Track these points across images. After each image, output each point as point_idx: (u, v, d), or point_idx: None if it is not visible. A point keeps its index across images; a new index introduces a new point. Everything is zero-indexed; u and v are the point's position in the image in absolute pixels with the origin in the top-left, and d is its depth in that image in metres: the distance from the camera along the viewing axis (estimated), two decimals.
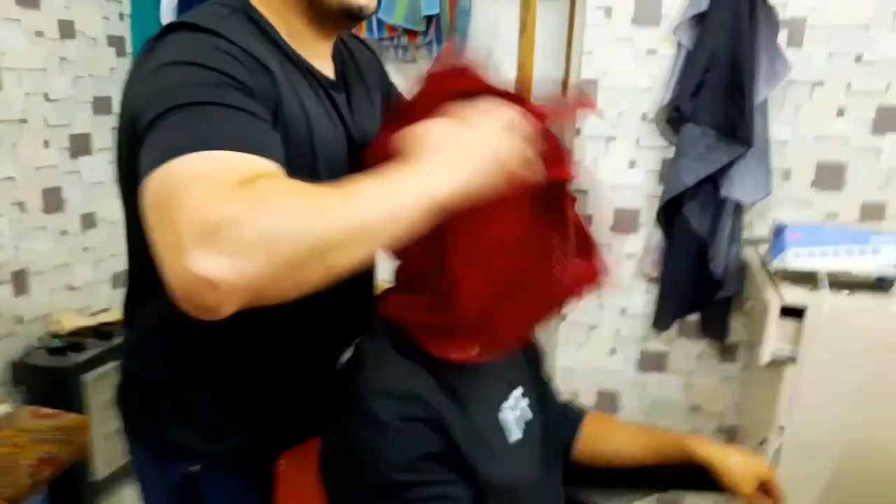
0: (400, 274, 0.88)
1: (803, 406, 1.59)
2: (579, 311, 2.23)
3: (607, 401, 2.28)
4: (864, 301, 1.57)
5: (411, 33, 2.13)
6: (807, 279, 1.61)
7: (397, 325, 0.85)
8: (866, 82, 1.86)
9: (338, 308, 0.88)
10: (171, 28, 0.71)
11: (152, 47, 0.71)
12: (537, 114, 0.76)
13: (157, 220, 0.55)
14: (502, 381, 0.93)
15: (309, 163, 0.76)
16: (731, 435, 2.19)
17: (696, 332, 2.16)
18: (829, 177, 1.94)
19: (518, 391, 0.94)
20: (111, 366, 2.00)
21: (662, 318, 2.12)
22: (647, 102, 2.03)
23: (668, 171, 2.01)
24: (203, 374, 0.86)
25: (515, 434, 0.89)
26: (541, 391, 1.01)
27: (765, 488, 1.02)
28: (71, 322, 2.06)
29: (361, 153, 0.84)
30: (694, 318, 2.14)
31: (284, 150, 0.66)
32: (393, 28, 2.13)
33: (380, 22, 2.13)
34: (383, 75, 1.02)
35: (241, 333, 0.82)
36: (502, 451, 0.85)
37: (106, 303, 2.34)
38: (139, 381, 0.90)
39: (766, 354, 1.60)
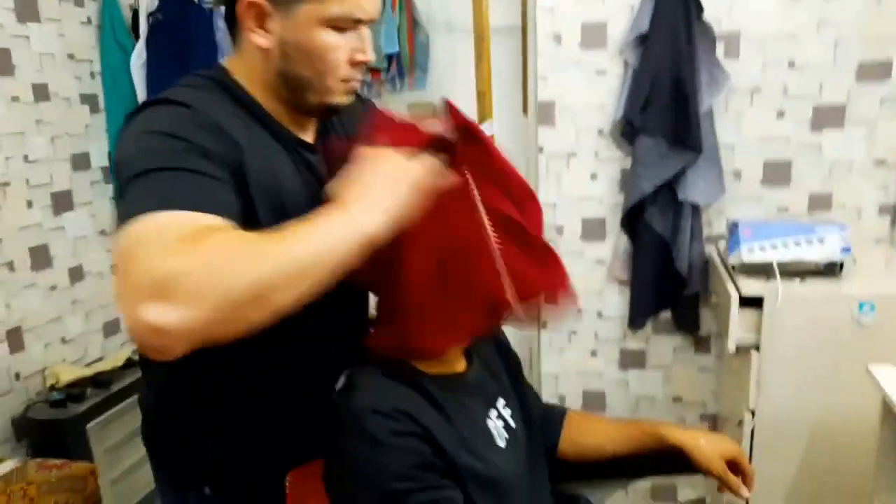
0: (377, 307, 0.98)
1: (771, 389, 1.71)
2: (558, 318, 2.34)
3: (594, 400, 2.38)
4: (816, 286, 1.70)
5: (374, 71, 2.25)
6: (762, 271, 1.74)
7: (383, 353, 0.94)
8: (800, 85, 2.00)
9: (333, 343, 0.97)
10: (148, 103, 0.81)
11: (133, 118, 0.81)
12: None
13: (117, 274, 0.63)
14: (486, 393, 1.02)
15: (278, 216, 0.81)
16: (712, 422, 2.30)
17: (670, 327, 2.27)
18: (777, 174, 2.08)
19: (501, 402, 1.04)
20: (112, 412, 2.06)
21: (637, 318, 2.23)
22: (602, 119, 2.15)
23: (627, 181, 2.13)
24: (210, 411, 0.94)
25: (501, 440, 0.98)
26: (522, 399, 1.11)
27: (735, 466, 1.10)
28: (68, 374, 2.11)
29: None
30: (667, 314, 2.25)
31: (254, 207, 0.77)
32: None
33: None
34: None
35: (246, 372, 0.91)
36: (489, 453, 0.94)
37: (99, 352, 2.39)
38: (157, 420, 0.98)
39: (731, 344, 1.71)
